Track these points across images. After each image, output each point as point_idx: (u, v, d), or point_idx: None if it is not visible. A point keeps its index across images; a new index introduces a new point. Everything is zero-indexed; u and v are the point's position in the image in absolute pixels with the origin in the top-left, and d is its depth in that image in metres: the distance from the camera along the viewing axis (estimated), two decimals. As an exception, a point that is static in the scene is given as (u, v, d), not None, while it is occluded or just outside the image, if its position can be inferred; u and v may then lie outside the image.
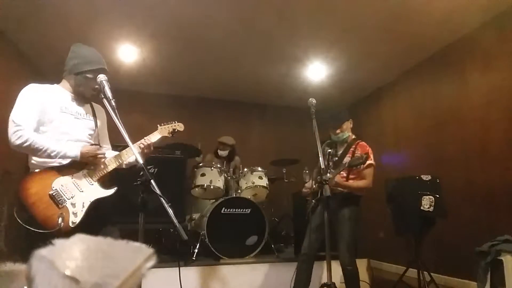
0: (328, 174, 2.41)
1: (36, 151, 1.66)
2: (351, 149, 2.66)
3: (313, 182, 2.70)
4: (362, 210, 2.75)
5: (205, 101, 5.81)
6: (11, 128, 1.66)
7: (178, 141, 3.80)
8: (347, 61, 4.52)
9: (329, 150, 2.72)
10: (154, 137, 2.06)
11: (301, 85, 5.11)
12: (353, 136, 2.78)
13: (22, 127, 1.65)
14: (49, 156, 1.68)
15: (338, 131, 2.71)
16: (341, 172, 2.58)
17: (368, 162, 2.49)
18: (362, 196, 2.67)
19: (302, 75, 4.86)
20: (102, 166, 1.85)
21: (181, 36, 3.93)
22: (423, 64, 4.44)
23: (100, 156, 1.82)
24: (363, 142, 2.71)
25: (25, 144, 1.64)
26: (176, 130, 2.20)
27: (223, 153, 4.40)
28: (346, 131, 2.73)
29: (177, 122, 2.22)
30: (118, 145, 2.36)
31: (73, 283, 0.39)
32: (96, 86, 1.85)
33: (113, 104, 1.75)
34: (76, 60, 1.89)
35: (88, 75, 1.87)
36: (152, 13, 3.48)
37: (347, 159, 2.60)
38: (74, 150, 1.73)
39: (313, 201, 2.57)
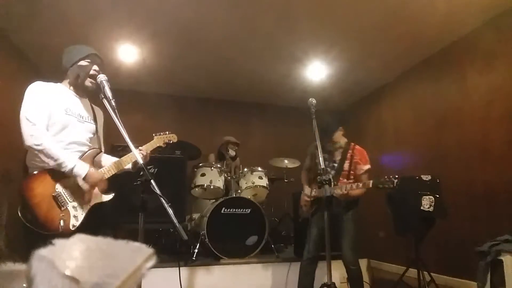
0: (336, 190, 2.51)
1: (47, 157, 1.64)
2: (348, 154, 2.70)
3: (311, 189, 2.78)
4: (362, 210, 2.77)
5: (205, 101, 5.81)
6: (27, 127, 1.63)
7: (178, 139, 3.79)
8: (347, 61, 4.51)
9: (324, 155, 2.76)
10: (150, 147, 2.13)
11: (301, 85, 5.10)
12: (345, 140, 2.80)
13: (37, 126, 1.64)
14: (57, 166, 1.66)
15: (329, 143, 2.74)
16: (342, 179, 2.62)
17: (366, 167, 2.61)
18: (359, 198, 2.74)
19: (302, 75, 4.86)
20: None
21: (181, 36, 3.93)
22: (423, 64, 4.43)
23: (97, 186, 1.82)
24: (359, 146, 2.75)
25: (39, 147, 1.62)
26: (171, 141, 2.28)
27: (233, 152, 4.39)
28: (339, 141, 2.76)
29: (170, 133, 2.30)
30: (118, 145, 2.36)
31: (73, 283, 0.39)
32: (92, 73, 1.87)
33: (113, 104, 1.75)
34: (68, 55, 1.93)
35: (81, 63, 1.89)
36: (152, 13, 3.48)
37: (346, 165, 2.67)
38: (82, 168, 1.71)
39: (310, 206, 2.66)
